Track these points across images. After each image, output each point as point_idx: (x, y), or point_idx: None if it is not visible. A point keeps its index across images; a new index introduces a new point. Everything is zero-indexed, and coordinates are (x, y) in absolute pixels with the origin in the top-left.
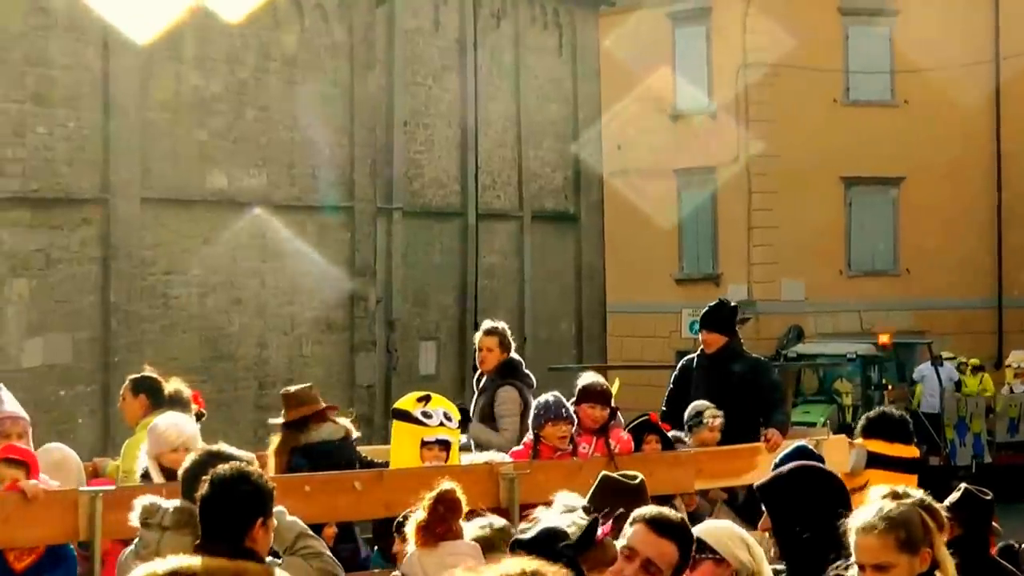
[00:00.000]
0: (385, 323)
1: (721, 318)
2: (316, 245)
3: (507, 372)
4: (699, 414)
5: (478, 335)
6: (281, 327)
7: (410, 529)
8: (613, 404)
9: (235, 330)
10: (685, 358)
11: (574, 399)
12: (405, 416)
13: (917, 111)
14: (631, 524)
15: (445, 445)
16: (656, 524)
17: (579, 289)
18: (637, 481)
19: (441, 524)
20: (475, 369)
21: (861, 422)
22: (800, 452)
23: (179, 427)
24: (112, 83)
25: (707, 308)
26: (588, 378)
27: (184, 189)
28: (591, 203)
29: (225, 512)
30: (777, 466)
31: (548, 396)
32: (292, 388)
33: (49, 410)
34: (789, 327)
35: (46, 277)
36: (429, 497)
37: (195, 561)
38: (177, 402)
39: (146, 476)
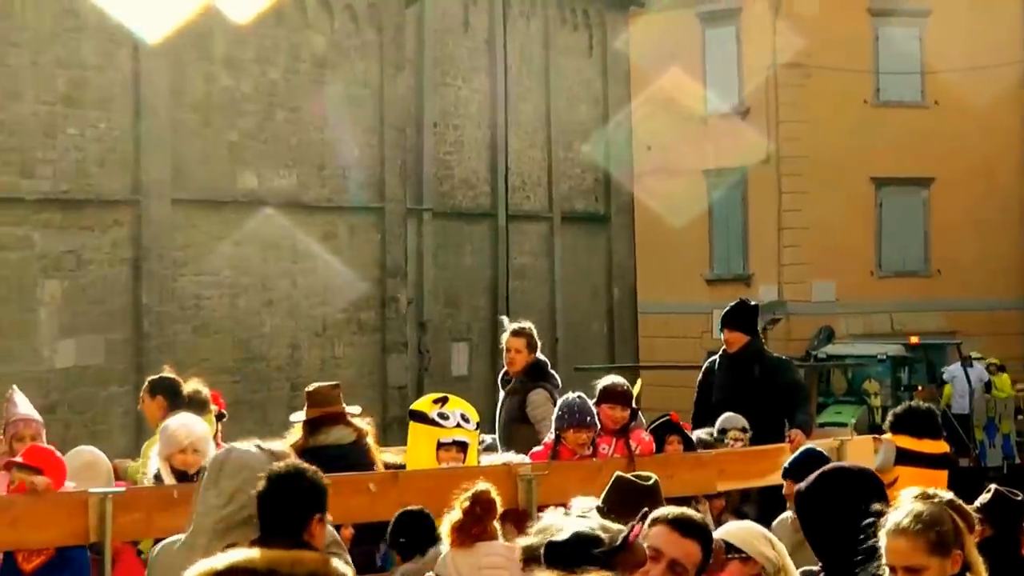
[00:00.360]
0: (416, 324)
1: (743, 317)
2: (347, 246)
3: (536, 374)
4: (723, 432)
5: (505, 336)
6: (313, 328)
7: (445, 529)
8: (634, 405)
9: (267, 331)
10: (708, 360)
11: (595, 400)
12: (421, 417)
13: (947, 112)
14: (652, 525)
15: (462, 446)
16: (680, 524)
17: (610, 290)
18: (651, 482)
19: (477, 524)
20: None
21: (889, 418)
22: (809, 455)
23: (188, 427)
24: (143, 84)
25: (728, 307)
26: (609, 379)
27: (215, 190)
28: (621, 204)
29: (284, 507)
30: (787, 470)
31: (574, 398)
32: (315, 385)
33: (83, 411)
34: (820, 328)
35: (78, 278)
36: (465, 497)
37: (254, 554)
38: (195, 403)
39: (159, 478)
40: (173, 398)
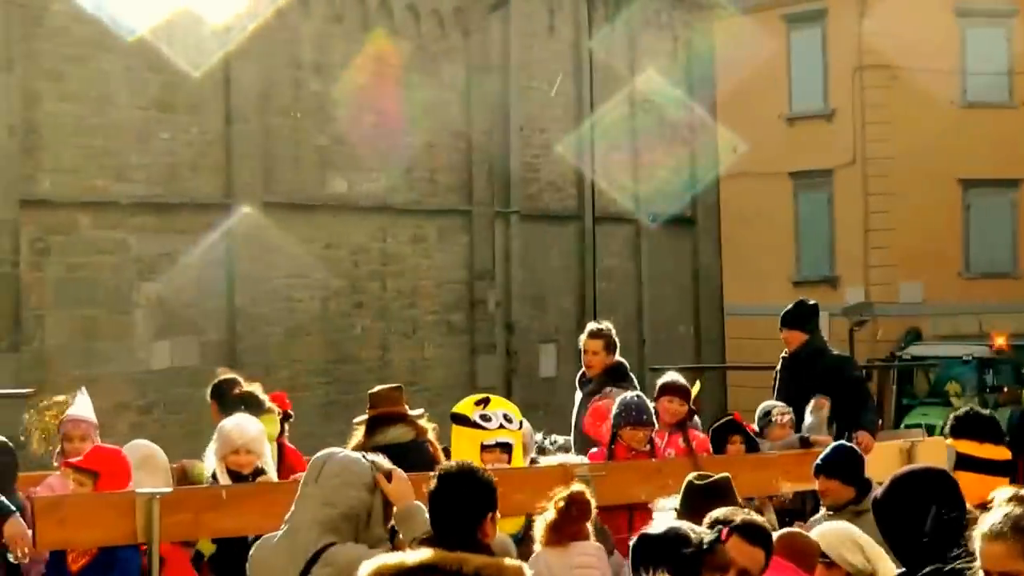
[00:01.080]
0: (504, 326)
1: (800, 316)
2: (435, 249)
3: (617, 376)
4: (767, 413)
5: (583, 337)
6: (402, 330)
7: (538, 528)
8: (692, 405)
9: (357, 333)
10: (779, 363)
11: (654, 395)
12: (464, 420)
13: None
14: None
15: (506, 447)
16: (747, 533)
17: (696, 292)
18: (723, 480)
19: (571, 525)
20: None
21: (950, 422)
22: (839, 451)
23: (242, 428)
24: (233, 89)
25: (787, 308)
26: (668, 375)
27: (305, 193)
28: (707, 206)
29: (458, 507)
30: (819, 467)
31: (632, 397)
32: (378, 388)
33: (178, 411)
34: (907, 329)
35: (172, 281)
36: (560, 498)
37: (451, 555)
38: (244, 403)
39: (216, 478)
40: (222, 400)
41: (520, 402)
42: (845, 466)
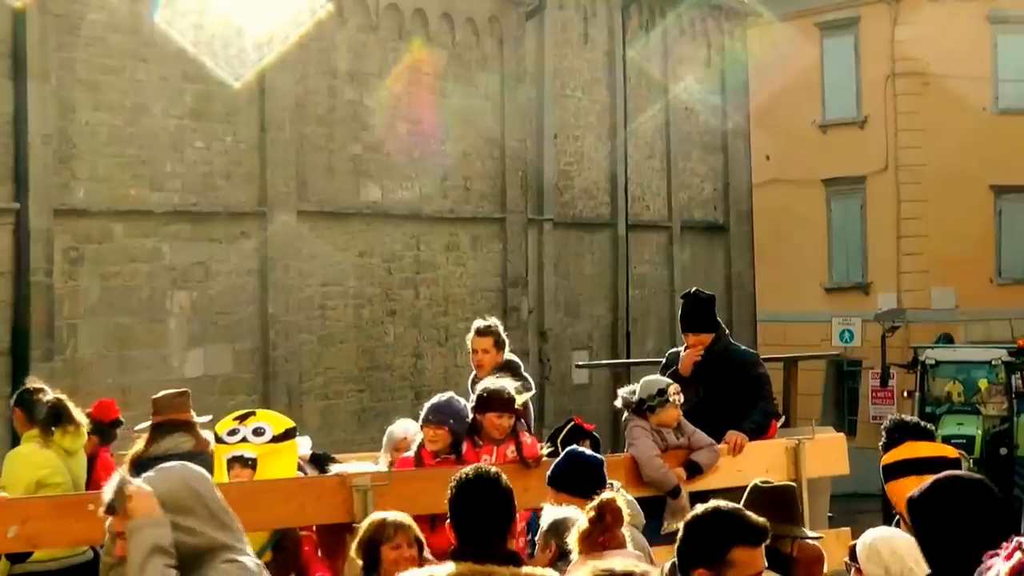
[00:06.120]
0: (537, 333)
1: (707, 316)
2: (469, 256)
3: (510, 375)
4: (663, 392)
5: (470, 336)
6: (436, 338)
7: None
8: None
9: (391, 340)
10: (670, 353)
11: (474, 405)
12: (216, 436)
13: None
14: None
15: (245, 462)
16: None
17: (729, 299)
18: (787, 487)
19: (604, 533)
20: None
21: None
22: (570, 462)
23: None
24: (268, 98)
25: (685, 309)
26: (492, 384)
27: (339, 202)
28: (740, 213)
29: (482, 516)
30: (550, 478)
31: (439, 396)
32: (162, 393)
33: (211, 420)
34: (939, 335)
35: (206, 289)
36: (591, 507)
37: (479, 568)
38: (54, 412)
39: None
40: (30, 409)
41: (552, 409)
42: (578, 479)
